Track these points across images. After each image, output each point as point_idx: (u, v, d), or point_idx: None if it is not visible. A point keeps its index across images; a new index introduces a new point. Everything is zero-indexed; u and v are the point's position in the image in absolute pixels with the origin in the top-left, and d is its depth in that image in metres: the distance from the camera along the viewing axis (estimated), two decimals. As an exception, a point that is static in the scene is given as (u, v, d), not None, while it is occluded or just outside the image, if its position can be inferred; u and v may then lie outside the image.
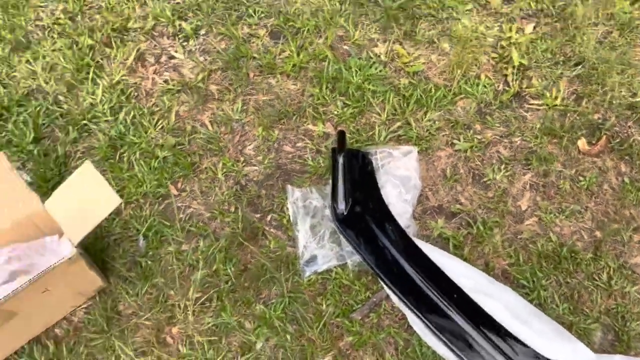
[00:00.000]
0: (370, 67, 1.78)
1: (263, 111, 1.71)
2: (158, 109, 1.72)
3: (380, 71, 1.78)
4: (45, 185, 1.56)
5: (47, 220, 1.29)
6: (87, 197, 1.29)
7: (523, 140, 1.66)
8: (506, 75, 1.78)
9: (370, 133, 1.67)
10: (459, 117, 1.70)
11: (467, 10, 1.91)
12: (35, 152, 1.63)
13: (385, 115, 1.69)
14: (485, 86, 1.75)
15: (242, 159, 1.64)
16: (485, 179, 1.61)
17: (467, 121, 1.70)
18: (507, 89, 1.76)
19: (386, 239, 1.47)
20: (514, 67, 1.78)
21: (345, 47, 1.85)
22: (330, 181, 1.51)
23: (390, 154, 1.61)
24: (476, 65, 1.80)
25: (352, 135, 1.66)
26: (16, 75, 1.79)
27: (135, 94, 1.75)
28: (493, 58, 1.81)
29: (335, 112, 1.70)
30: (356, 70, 1.77)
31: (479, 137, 1.67)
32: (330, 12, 1.90)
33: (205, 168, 1.62)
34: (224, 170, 1.61)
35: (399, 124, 1.69)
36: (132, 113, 1.70)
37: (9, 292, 1.14)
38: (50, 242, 1.29)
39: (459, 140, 1.67)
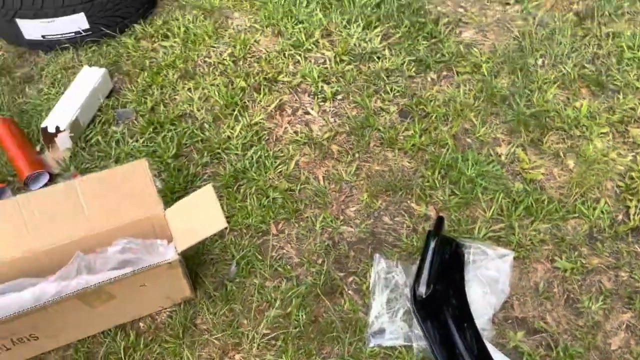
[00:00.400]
0: (488, 164, 1.81)
1: (373, 179, 1.81)
2: (282, 154, 1.89)
3: (497, 170, 1.80)
4: (170, 196, 1.77)
5: (163, 226, 1.47)
6: (200, 215, 1.45)
7: (631, 277, 1.57)
8: (628, 207, 1.70)
9: (471, 226, 1.68)
10: (566, 235, 1.65)
11: (602, 133, 1.88)
12: (172, 165, 1.86)
13: (490, 214, 1.70)
14: (603, 212, 1.69)
15: (341, 217, 1.73)
16: (579, 305, 1.53)
17: (574, 242, 1.64)
18: (626, 220, 1.68)
19: (459, 335, 1.46)
20: (639, 200, 1.70)
21: (468, 139, 1.90)
22: (418, 262, 1.55)
23: (485, 252, 1.60)
24: (598, 189, 1.75)
25: (452, 224, 1.68)
26: (177, 98, 2.08)
27: (267, 137, 1.95)
28: (618, 186, 1.75)
29: (441, 198, 1.75)
30: (472, 164, 1.80)
31: (583, 260, 1.61)
32: (462, 104, 1.98)
33: (307, 217, 1.74)
34: (323, 223, 1.72)
35: (502, 225, 1.68)
36: (259, 153, 1.89)
37: (116, 276, 1.31)
38: (160, 244, 1.46)
39: (561, 258, 1.61)
